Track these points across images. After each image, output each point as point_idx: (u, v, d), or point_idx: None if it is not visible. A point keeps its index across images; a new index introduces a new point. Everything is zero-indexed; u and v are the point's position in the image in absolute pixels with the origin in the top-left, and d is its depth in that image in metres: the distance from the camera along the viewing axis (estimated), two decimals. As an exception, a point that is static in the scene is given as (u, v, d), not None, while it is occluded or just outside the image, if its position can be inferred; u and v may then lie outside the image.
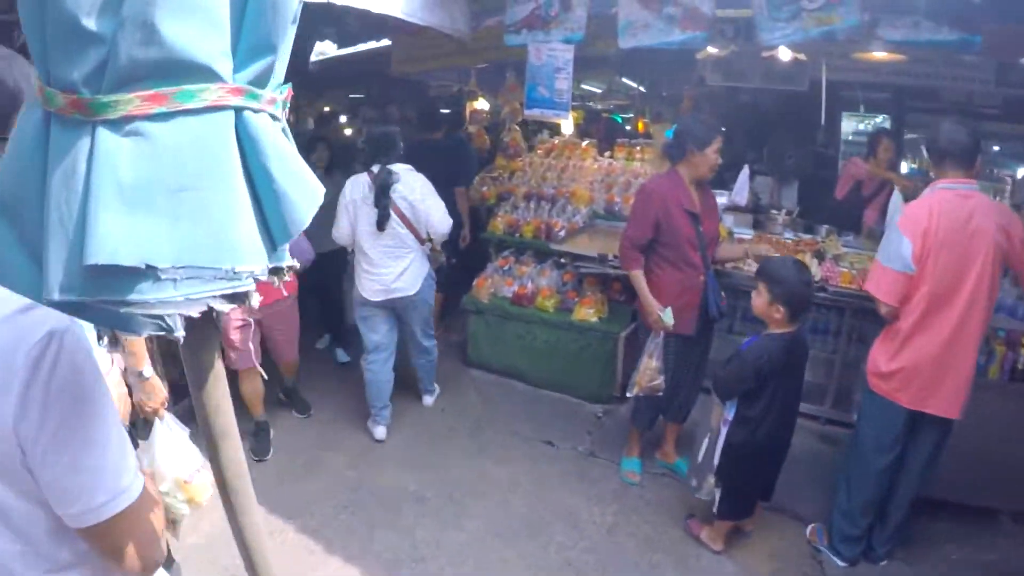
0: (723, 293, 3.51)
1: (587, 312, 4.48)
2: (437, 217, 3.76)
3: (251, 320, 3.60)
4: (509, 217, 5.13)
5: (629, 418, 3.85)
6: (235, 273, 0.69)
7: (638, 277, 3.39)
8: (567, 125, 5.40)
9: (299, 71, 6.65)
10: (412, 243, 3.81)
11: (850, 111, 7.54)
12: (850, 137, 7.78)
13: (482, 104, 6.21)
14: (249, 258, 0.70)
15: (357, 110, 8.82)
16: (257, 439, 3.91)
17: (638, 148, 5.63)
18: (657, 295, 3.36)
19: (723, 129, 3.36)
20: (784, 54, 4.83)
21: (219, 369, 0.88)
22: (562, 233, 4.78)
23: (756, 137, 6.83)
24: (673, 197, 3.27)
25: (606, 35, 4.18)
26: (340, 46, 6.15)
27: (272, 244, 0.75)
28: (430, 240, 3.91)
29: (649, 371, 3.40)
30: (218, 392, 0.88)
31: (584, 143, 5.68)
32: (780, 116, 6.99)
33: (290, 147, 0.76)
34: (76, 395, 0.89)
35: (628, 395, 3.69)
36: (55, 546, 0.95)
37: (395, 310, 4.03)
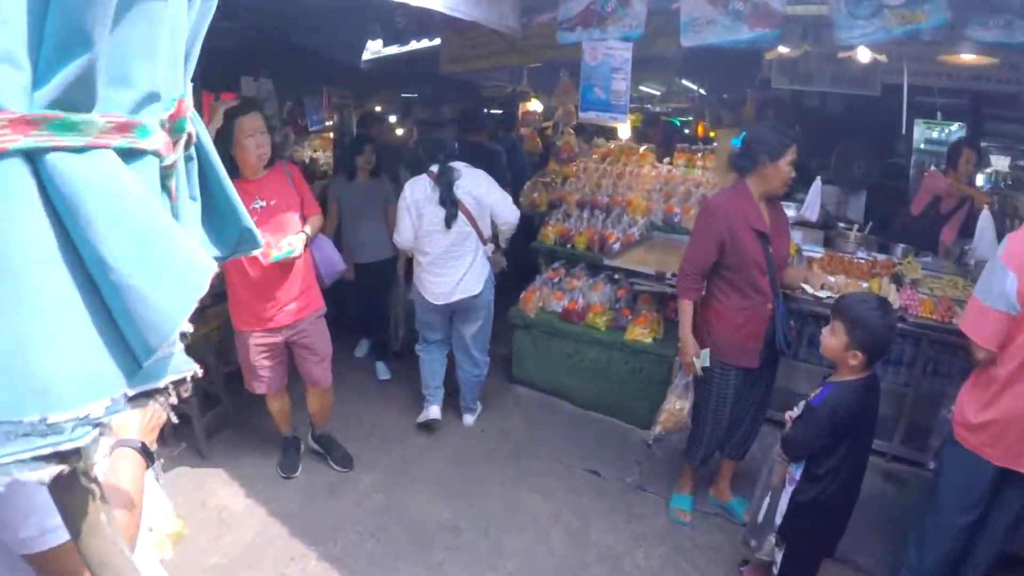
0: (791, 322, 3.15)
1: (641, 332, 4.15)
2: (506, 208, 3.74)
3: (278, 342, 3.32)
4: (560, 226, 4.83)
5: (683, 451, 3.50)
6: (50, 426, 0.42)
7: (686, 308, 3.07)
8: (624, 129, 5.07)
9: (352, 69, 6.53)
10: (475, 242, 3.74)
11: (924, 118, 6.96)
12: (922, 146, 7.20)
13: (535, 105, 5.92)
14: (74, 397, 0.43)
15: (409, 110, 8.64)
16: (286, 455, 3.73)
17: (699, 155, 5.26)
18: (718, 324, 3.03)
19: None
20: (863, 55, 4.37)
21: (96, 520, 0.61)
22: (616, 246, 4.46)
23: (822, 144, 6.36)
24: (740, 215, 2.92)
25: (667, 33, 3.84)
26: (385, 44, 5.99)
27: (134, 359, 0.47)
28: (493, 240, 3.86)
29: (674, 414, 3.09)
30: (102, 546, 0.61)
31: (641, 148, 5.33)
32: (849, 122, 6.56)
33: (154, 207, 0.48)
34: None
35: (650, 436, 3.43)
36: None
37: (455, 314, 3.95)
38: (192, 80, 0.61)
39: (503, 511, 3.46)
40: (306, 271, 3.27)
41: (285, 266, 3.13)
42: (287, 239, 3.08)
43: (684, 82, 7.55)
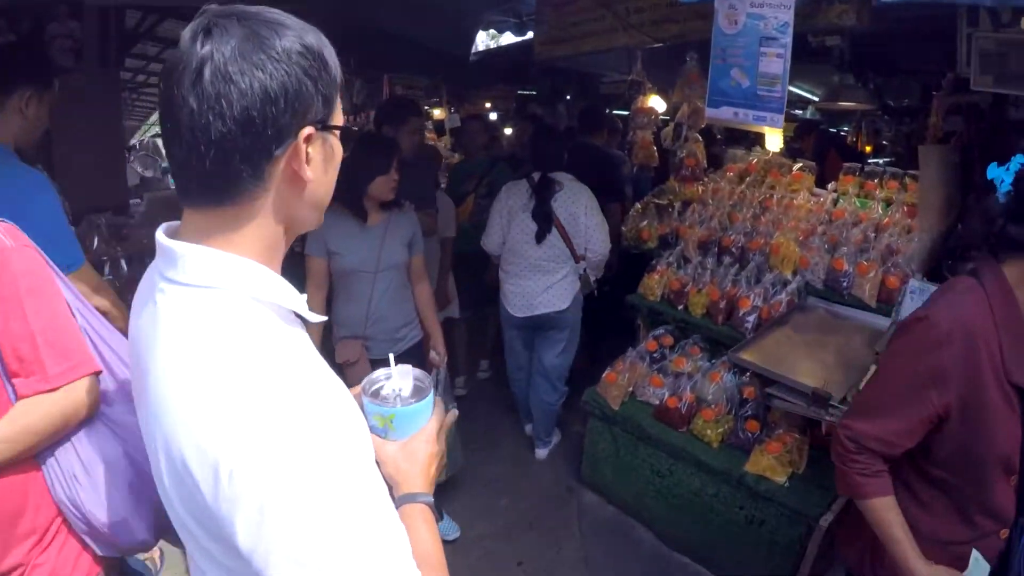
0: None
1: (771, 463, 2.62)
2: (600, 236, 3.40)
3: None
4: (672, 276, 3.33)
5: None
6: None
7: (884, 511, 1.53)
8: (773, 139, 3.45)
9: (460, 64, 5.96)
10: (567, 259, 3.44)
11: None
12: None
13: (656, 102, 4.37)
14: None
15: (525, 108, 7.61)
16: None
17: (877, 179, 3.53)
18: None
19: None
20: None
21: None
22: (751, 319, 2.93)
23: None
24: (988, 352, 1.39)
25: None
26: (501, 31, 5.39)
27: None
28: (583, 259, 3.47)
29: None
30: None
31: (796, 166, 3.68)
32: None
33: None
34: None
35: None
36: None
37: (535, 331, 3.65)
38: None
39: None
40: None
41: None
42: None
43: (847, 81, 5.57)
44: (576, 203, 3.35)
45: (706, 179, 3.79)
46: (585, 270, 3.49)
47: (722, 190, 3.68)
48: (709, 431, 2.86)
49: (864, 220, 3.20)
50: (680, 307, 3.25)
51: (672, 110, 3.89)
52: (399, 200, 2.76)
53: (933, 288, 2.80)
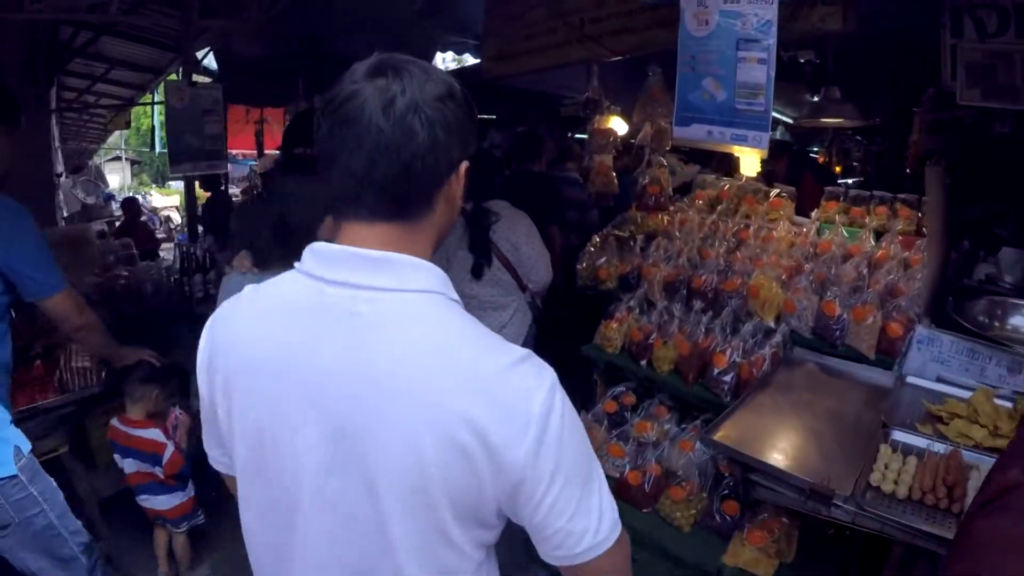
0: None
1: (753, 556, 2.08)
2: (543, 266, 3.23)
3: None
4: (634, 323, 2.81)
5: None
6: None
7: None
8: (749, 160, 2.96)
9: None
10: (514, 289, 3.23)
11: None
12: None
13: (617, 124, 3.88)
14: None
15: (485, 134, 7.17)
16: None
17: (869, 206, 3.06)
18: None
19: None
20: None
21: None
22: (728, 378, 2.41)
23: (1008, 189, 3.94)
24: None
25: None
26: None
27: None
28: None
29: None
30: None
31: (774, 192, 3.18)
32: None
33: None
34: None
35: None
36: None
37: None
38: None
39: None
40: None
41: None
42: None
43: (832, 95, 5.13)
44: (515, 232, 3.15)
45: (672, 208, 3.28)
46: (533, 297, 3.30)
47: (691, 221, 3.17)
48: (679, 513, 2.32)
49: (856, 254, 2.71)
50: (643, 362, 2.71)
51: (634, 131, 3.40)
52: None
53: (947, 338, 2.31)
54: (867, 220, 2.90)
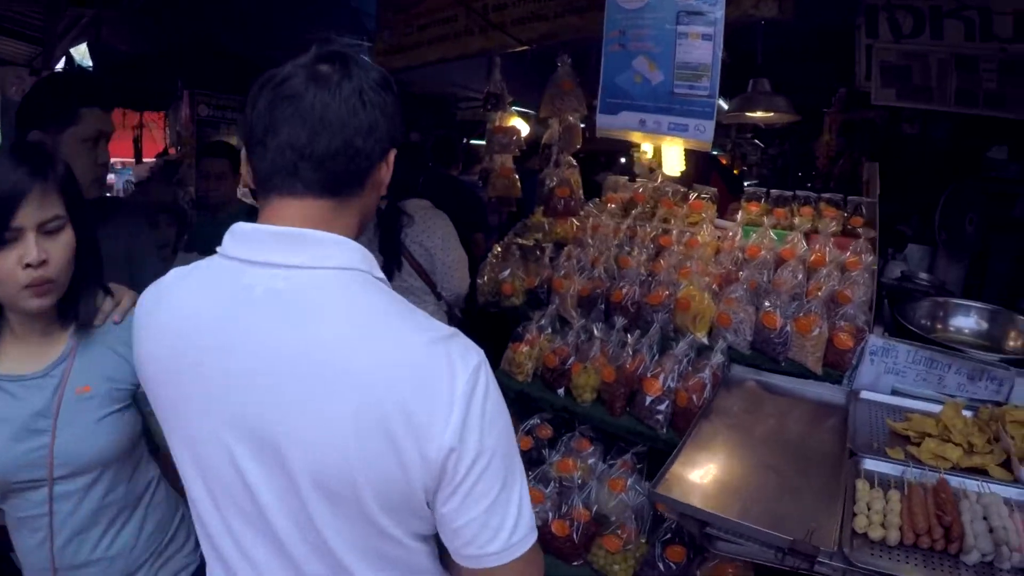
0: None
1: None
2: (459, 274, 2.88)
3: None
4: (547, 346, 2.37)
5: None
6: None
7: None
8: (673, 156, 2.60)
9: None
10: (426, 293, 2.88)
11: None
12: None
13: (520, 125, 3.49)
14: None
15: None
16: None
17: (792, 207, 2.78)
18: None
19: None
20: None
21: None
22: (663, 407, 2.00)
23: (923, 189, 3.99)
24: None
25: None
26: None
27: None
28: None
29: None
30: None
31: (694, 195, 2.85)
32: (964, 158, 4.19)
33: None
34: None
35: None
36: None
37: None
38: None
39: None
40: None
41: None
42: None
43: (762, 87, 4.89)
44: (431, 236, 2.84)
45: (583, 212, 2.89)
46: (449, 306, 3.00)
47: (605, 227, 2.78)
48: (616, 565, 1.88)
49: (789, 258, 2.39)
50: (561, 391, 2.27)
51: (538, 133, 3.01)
52: None
53: (903, 347, 2.01)
54: (796, 221, 2.60)
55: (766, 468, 1.66)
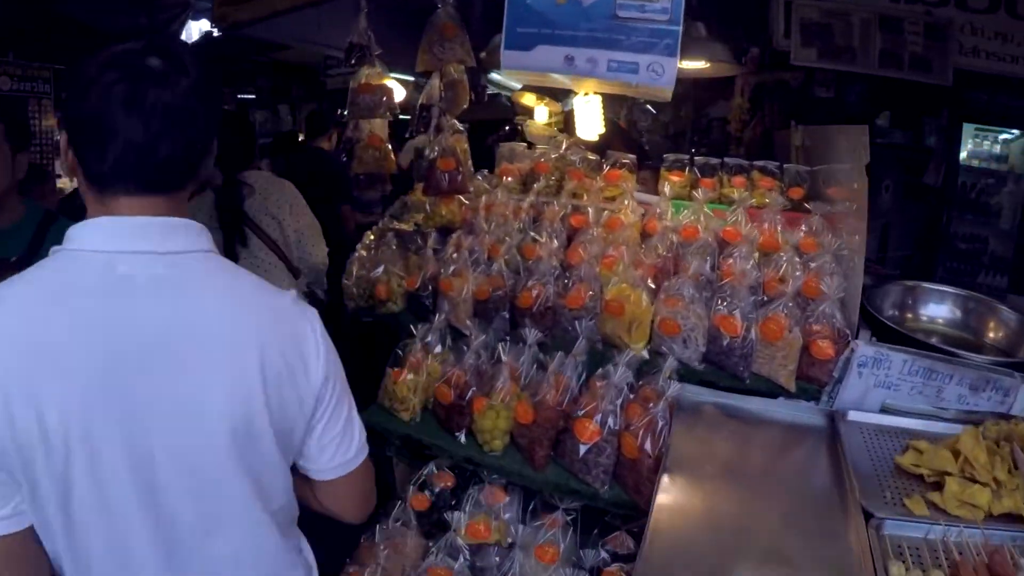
0: None
1: None
2: (313, 241, 2.57)
3: None
4: (436, 371, 1.72)
5: None
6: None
7: None
8: (590, 118, 2.01)
9: None
10: (282, 271, 2.53)
11: (977, 122, 4.36)
12: (976, 164, 4.59)
13: (395, 88, 2.78)
14: None
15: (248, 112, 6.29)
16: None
17: (721, 176, 2.31)
18: None
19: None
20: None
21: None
22: (604, 459, 1.42)
23: None
24: None
25: None
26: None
27: None
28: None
29: None
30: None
31: (608, 164, 2.29)
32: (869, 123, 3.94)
33: None
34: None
35: None
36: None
37: None
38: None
39: None
40: None
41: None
42: None
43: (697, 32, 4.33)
44: (276, 204, 2.51)
45: (472, 189, 2.25)
46: (309, 286, 2.69)
47: (502, 206, 2.16)
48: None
49: (734, 241, 1.88)
50: (460, 433, 1.64)
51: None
52: None
53: (898, 356, 1.55)
54: (732, 195, 2.10)
55: (765, 544, 1.14)
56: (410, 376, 1.67)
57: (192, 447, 0.85)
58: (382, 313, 2.01)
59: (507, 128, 4.75)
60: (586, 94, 2.15)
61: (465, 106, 2.17)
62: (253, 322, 0.89)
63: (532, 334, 1.62)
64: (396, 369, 1.70)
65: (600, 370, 1.59)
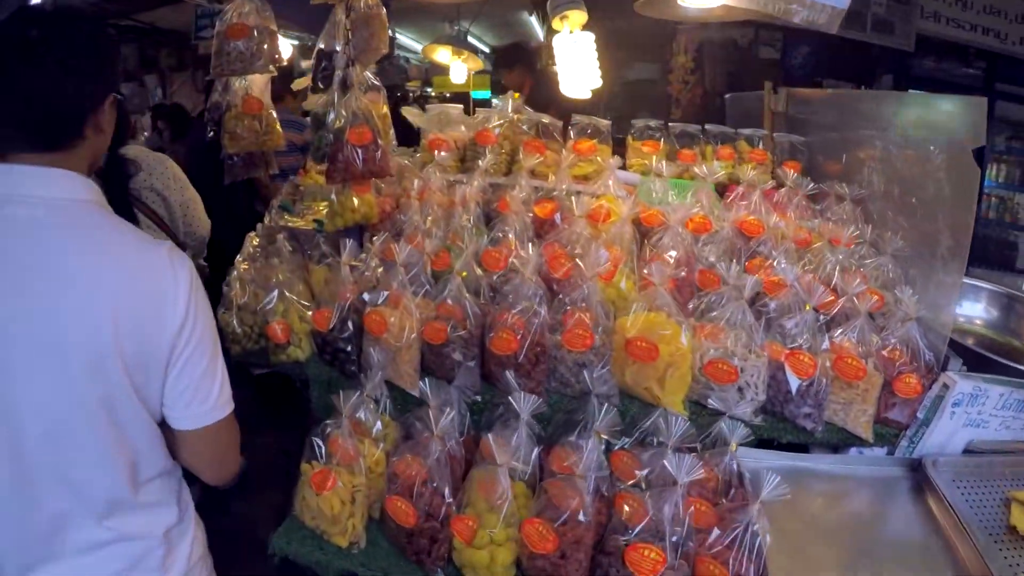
0: None
1: None
2: (197, 213, 2.44)
3: None
4: (385, 469, 1.13)
5: None
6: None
7: None
8: (585, 67, 1.40)
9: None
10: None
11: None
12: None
13: (283, 46, 2.03)
14: None
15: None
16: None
17: (703, 147, 1.84)
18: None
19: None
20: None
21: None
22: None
23: None
24: None
25: None
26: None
27: None
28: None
29: None
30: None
31: (575, 133, 1.73)
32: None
33: None
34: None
35: None
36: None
37: None
38: None
39: None
40: None
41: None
42: None
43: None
44: (160, 178, 2.28)
45: (403, 173, 1.61)
46: (194, 258, 2.25)
47: (438, 196, 1.55)
48: None
49: (755, 235, 1.40)
50: (435, 570, 1.06)
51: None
52: None
53: (997, 389, 1.14)
54: (705, 169, 1.61)
55: None
56: (341, 481, 1.05)
57: (48, 383, 0.86)
58: (280, 362, 1.36)
59: (399, 96, 3.98)
60: (572, 31, 1.54)
61: (385, 51, 1.50)
62: (111, 269, 0.89)
63: (527, 401, 1.05)
64: (317, 470, 1.07)
65: (624, 440, 1.07)
